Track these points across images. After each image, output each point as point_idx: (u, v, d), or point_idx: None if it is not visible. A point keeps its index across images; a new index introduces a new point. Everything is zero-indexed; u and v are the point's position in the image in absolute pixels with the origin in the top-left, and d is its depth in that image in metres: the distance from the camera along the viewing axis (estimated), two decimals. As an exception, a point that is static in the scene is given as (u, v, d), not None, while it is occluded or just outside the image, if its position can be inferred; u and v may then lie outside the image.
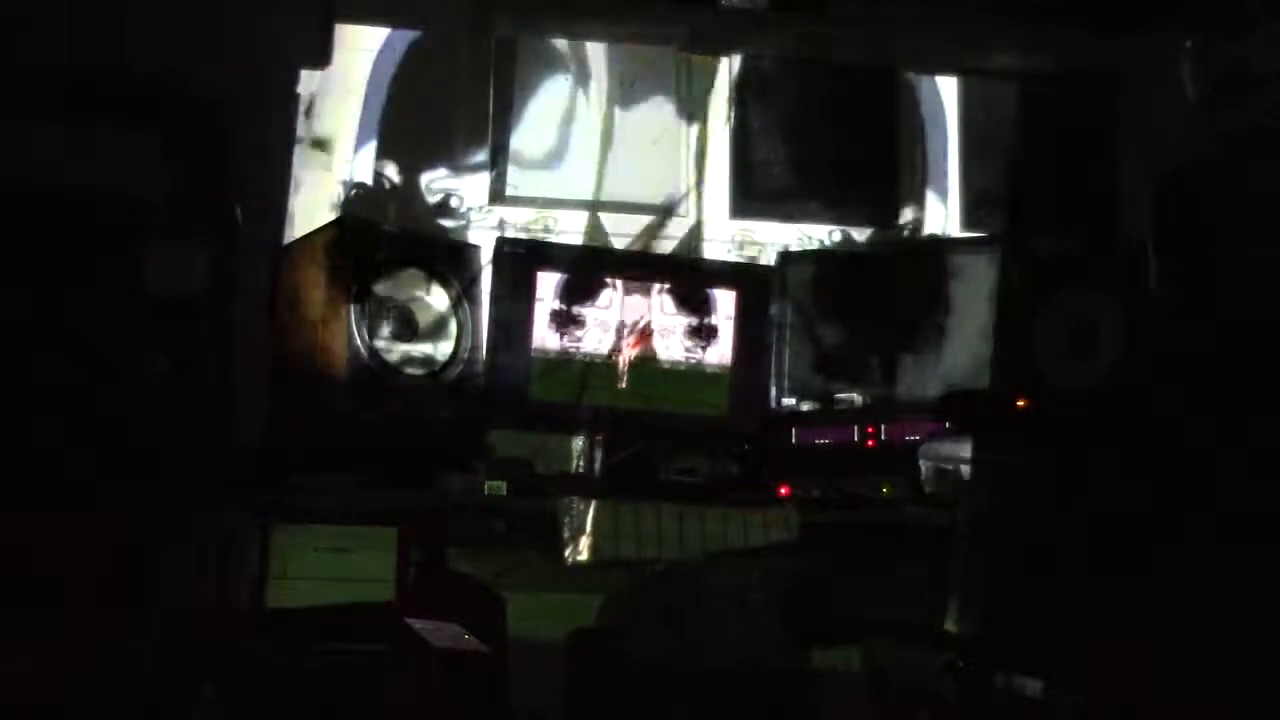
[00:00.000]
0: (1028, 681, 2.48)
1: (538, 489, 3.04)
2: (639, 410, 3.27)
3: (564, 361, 3.24)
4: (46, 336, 2.61)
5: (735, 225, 3.76)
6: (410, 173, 3.65)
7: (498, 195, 3.67)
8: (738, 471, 3.33)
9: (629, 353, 3.27)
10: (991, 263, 3.17)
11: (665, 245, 3.73)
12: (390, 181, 3.63)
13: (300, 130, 3.51)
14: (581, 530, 2.98)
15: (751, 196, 3.78)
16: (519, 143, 3.70)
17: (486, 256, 3.32)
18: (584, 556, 2.99)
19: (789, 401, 3.30)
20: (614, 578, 3.25)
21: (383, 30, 3.65)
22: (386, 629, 2.54)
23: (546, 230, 3.62)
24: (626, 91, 3.75)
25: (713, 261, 3.65)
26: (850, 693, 3.19)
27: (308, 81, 3.53)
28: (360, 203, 3.61)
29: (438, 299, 3.23)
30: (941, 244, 3.72)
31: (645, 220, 3.73)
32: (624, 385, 3.26)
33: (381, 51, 3.65)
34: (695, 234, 3.75)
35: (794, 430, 3.25)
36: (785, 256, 3.50)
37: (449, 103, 3.67)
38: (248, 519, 2.96)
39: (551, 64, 3.74)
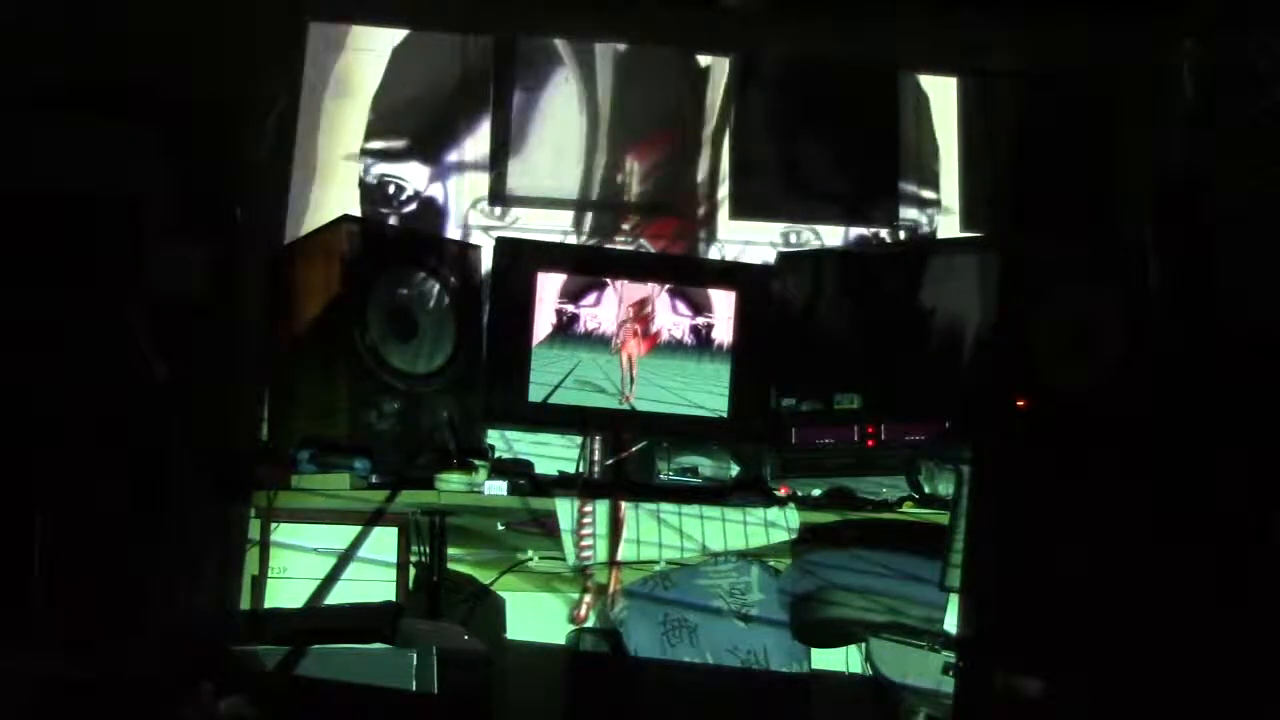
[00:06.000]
0: (1028, 681, 2.48)
1: (538, 489, 3.04)
2: (639, 410, 3.26)
3: (564, 361, 3.24)
4: (46, 336, 2.61)
5: (735, 225, 3.76)
6: (410, 172, 3.65)
7: (498, 195, 3.67)
8: (738, 471, 3.33)
9: (631, 348, 3.27)
10: (991, 263, 3.16)
11: (665, 245, 3.73)
12: (390, 181, 3.64)
13: (301, 130, 3.51)
14: (582, 530, 2.98)
15: (751, 196, 3.78)
16: (519, 143, 3.70)
17: (487, 256, 3.32)
18: (584, 557, 2.99)
19: (789, 401, 3.29)
20: (614, 578, 3.25)
21: (383, 30, 3.65)
22: (386, 629, 2.54)
23: (546, 230, 3.63)
24: (626, 92, 3.75)
25: (713, 261, 3.65)
26: (850, 693, 3.19)
27: (308, 81, 3.53)
28: (360, 202, 3.61)
29: (438, 299, 3.23)
30: (941, 244, 3.72)
31: (644, 220, 3.73)
32: (626, 386, 3.26)
33: (382, 51, 3.65)
34: (695, 234, 3.75)
35: (794, 430, 3.25)
36: (785, 256, 3.49)
37: (449, 103, 3.68)
38: (247, 519, 2.96)
39: (551, 64, 3.74)
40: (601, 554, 2.99)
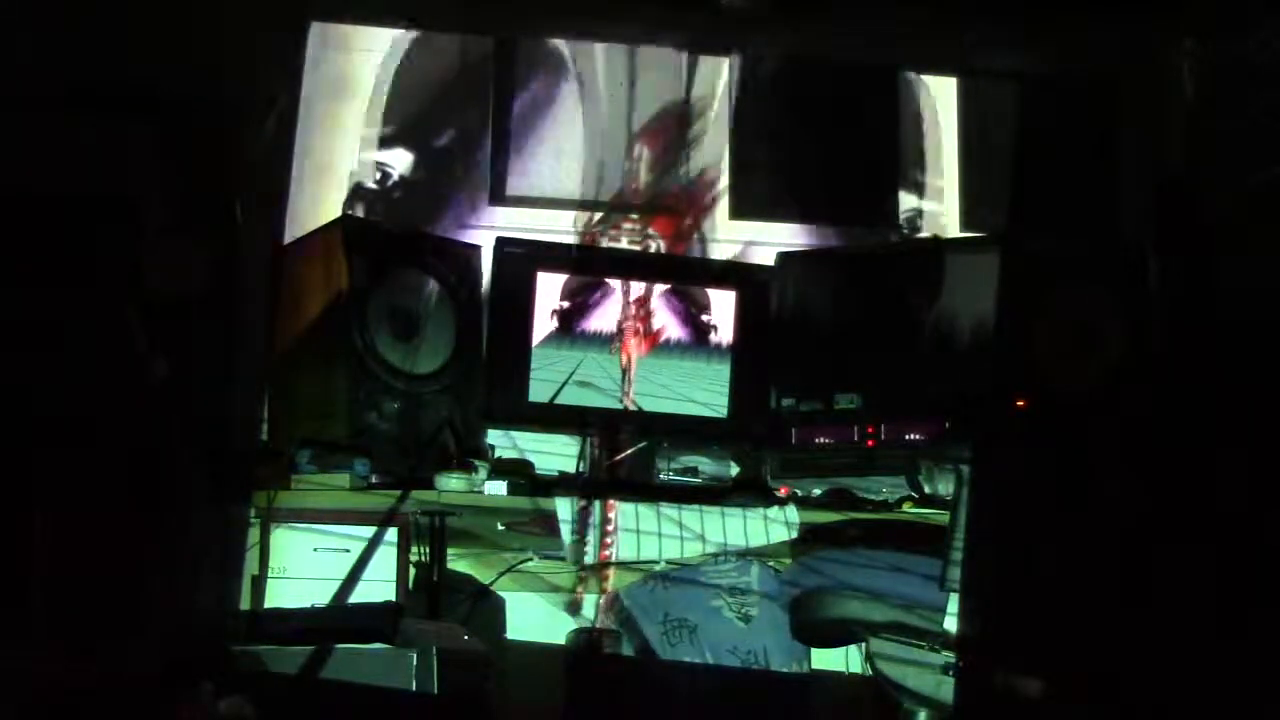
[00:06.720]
0: (1028, 681, 2.48)
1: (538, 489, 3.04)
2: (639, 410, 3.27)
3: (564, 361, 3.24)
4: (46, 336, 2.61)
5: (735, 225, 3.76)
6: (410, 172, 3.65)
7: (498, 195, 3.67)
8: (738, 471, 3.33)
9: (631, 348, 3.27)
10: (991, 263, 3.16)
11: (665, 245, 3.73)
12: (391, 181, 3.64)
13: (301, 130, 3.51)
14: (581, 530, 2.98)
15: (751, 197, 3.78)
16: (519, 142, 3.70)
17: (486, 256, 3.32)
18: (584, 557, 2.99)
19: (789, 401, 3.29)
20: (614, 578, 3.26)
21: (384, 30, 3.65)
22: (386, 629, 2.54)
23: (546, 230, 3.63)
24: (626, 92, 3.75)
25: (713, 261, 3.65)
26: (850, 693, 3.19)
27: (310, 81, 3.53)
28: (360, 202, 3.61)
29: (438, 299, 3.23)
30: (941, 244, 3.72)
31: (644, 220, 3.73)
32: (626, 385, 3.26)
33: (382, 51, 3.65)
34: (695, 233, 3.75)
35: (794, 430, 3.25)
36: (785, 257, 3.49)
37: (449, 103, 3.68)
38: (247, 519, 2.96)
39: (551, 63, 3.74)
40: (601, 553, 2.99)
